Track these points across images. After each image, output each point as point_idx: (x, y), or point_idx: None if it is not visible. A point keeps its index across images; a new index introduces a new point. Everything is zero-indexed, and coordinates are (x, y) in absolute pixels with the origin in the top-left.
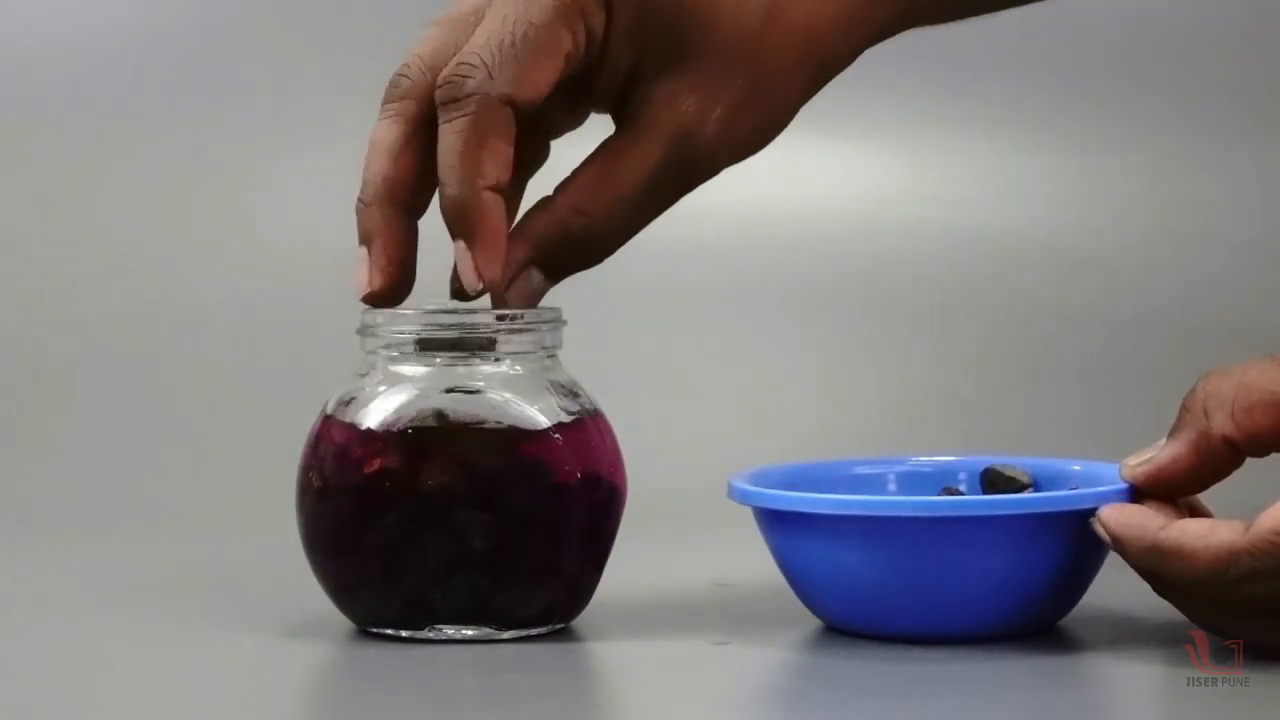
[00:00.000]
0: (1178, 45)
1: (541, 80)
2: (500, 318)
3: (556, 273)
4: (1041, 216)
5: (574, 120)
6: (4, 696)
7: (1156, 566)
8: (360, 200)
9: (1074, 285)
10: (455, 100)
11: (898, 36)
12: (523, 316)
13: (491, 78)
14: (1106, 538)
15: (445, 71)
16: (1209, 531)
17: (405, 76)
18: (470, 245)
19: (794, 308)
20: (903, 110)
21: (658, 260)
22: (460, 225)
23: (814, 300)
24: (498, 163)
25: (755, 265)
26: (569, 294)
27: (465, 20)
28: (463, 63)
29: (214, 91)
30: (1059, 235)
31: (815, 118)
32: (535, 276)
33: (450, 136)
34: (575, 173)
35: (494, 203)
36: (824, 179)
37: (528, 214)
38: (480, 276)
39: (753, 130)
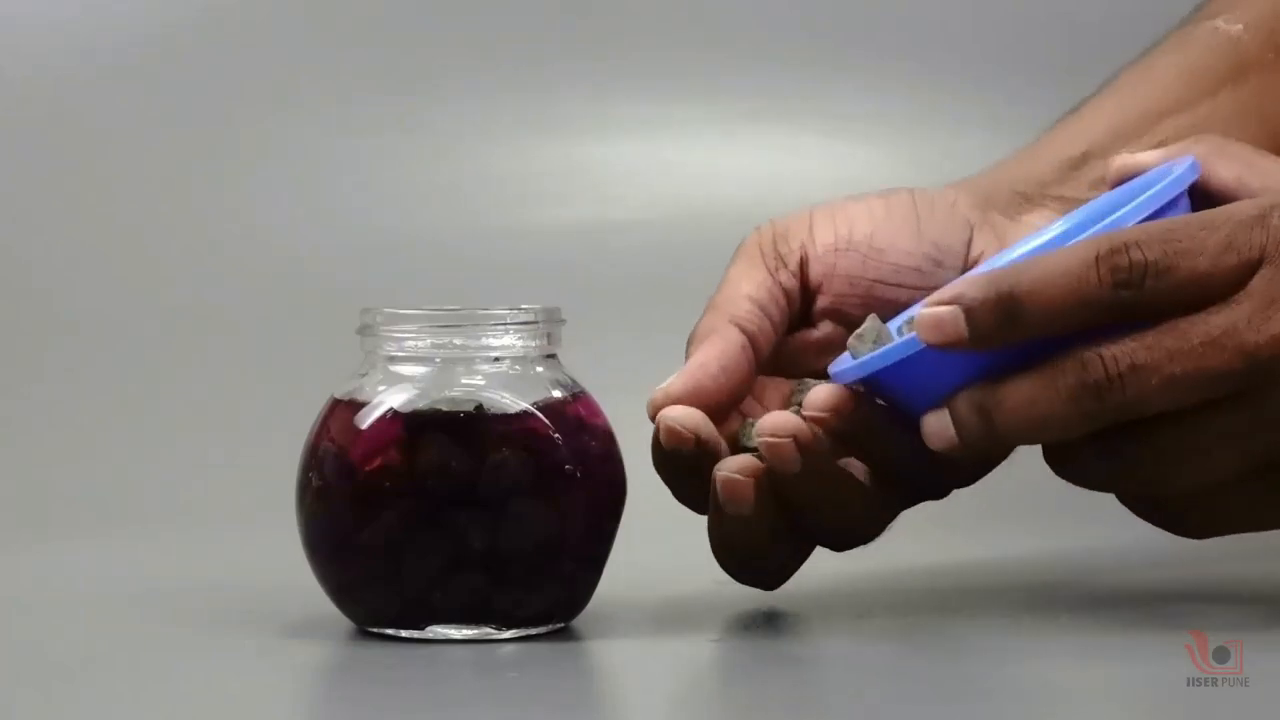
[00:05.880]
0: None
1: None
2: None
3: None
4: None
5: None
6: (4, 696)
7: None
8: None
9: None
10: None
11: (897, 36)
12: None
13: None
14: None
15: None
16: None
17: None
18: None
19: None
20: (903, 110)
21: (658, 260)
22: None
23: None
24: None
25: None
26: (569, 294)
27: None
28: None
29: (215, 88)
30: None
31: (815, 118)
32: None
33: None
34: None
35: None
36: (824, 179)
37: None
38: None
39: None
